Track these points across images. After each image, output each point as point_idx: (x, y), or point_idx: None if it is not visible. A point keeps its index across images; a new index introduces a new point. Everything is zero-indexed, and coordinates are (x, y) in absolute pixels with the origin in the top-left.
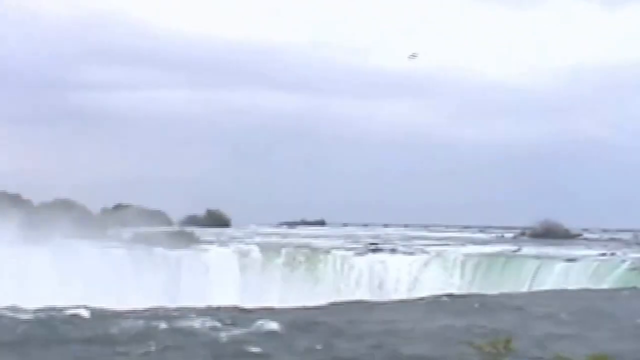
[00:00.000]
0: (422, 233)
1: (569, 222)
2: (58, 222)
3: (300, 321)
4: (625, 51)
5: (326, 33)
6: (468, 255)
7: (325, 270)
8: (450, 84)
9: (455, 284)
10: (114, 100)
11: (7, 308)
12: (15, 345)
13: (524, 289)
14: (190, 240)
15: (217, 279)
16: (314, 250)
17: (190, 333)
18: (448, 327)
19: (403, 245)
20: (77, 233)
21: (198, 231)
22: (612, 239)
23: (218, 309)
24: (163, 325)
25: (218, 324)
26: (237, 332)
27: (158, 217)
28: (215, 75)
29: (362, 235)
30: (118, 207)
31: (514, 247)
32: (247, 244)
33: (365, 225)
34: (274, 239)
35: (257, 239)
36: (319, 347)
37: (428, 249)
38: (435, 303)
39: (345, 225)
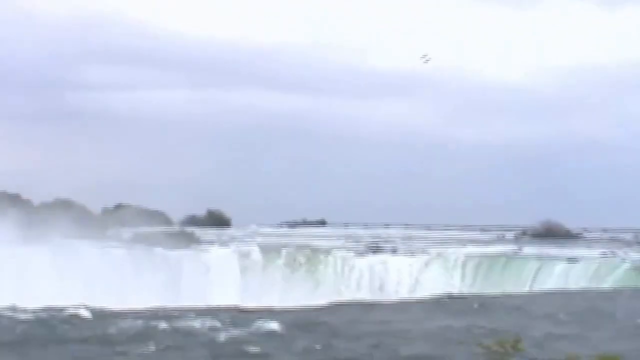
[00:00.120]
0: (422, 233)
1: (569, 222)
2: (58, 222)
3: (300, 321)
4: (625, 51)
5: (324, 33)
6: (469, 256)
7: (325, 272)
8: (449, 84)
9: (456, 285)
10: (114, 101)
11: (6, 308)
12: (15, 345)
13: (525, 290)
14: (190, 240)
15: (217, 279)
16: (315, 251)
17: (190, 333)
18: (447, 328)
19: (403, 243)
20: (77, 233)
21: (198, 231)
22: (612, 239)
23: (218, 309)
24: (163, 325)
25: (218, 324)
26: (237, 332)
27: (158, 217)
28: (214, 75)
29: (362, 235)
30: (118, 207)
31: (515, 247)
32: (247, 244)
33: (366, 225)
34: (274, 239)
35: (258, 239)
36: (318, 347)
37: (429, 249)
38: (435, 303)
39: (346, 225)
